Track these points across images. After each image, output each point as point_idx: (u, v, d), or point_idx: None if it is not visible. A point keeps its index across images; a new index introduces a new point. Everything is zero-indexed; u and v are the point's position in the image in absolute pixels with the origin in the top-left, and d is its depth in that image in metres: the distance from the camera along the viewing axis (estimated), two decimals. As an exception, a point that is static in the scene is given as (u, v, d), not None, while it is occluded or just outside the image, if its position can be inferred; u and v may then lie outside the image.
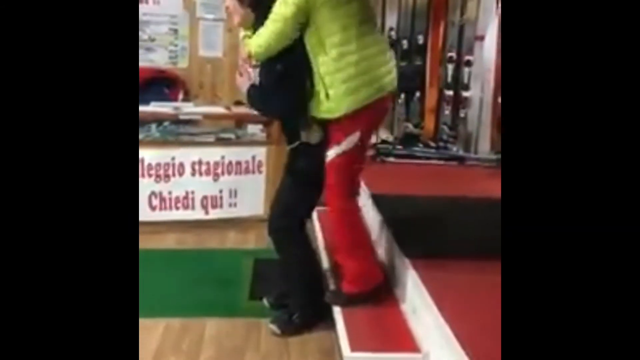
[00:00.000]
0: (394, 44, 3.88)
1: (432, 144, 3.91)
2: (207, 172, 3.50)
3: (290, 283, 2.42)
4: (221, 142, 3.65)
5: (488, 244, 1.84)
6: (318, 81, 2.09)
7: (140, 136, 3.39)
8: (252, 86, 2.27)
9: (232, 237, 3.50)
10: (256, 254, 3.17)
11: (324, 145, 2.18)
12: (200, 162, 3.49)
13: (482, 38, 3.97)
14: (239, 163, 3.55)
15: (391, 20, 4.03)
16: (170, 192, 3.47)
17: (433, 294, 1.86)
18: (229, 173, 3.54)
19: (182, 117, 3.65)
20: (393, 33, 4.04)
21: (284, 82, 2.14)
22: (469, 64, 3.99)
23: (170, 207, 3.48)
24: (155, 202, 3.45)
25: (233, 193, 3.56)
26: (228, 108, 3.90)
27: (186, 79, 4.43)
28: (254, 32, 2.18)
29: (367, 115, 2.13)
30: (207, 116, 3.77)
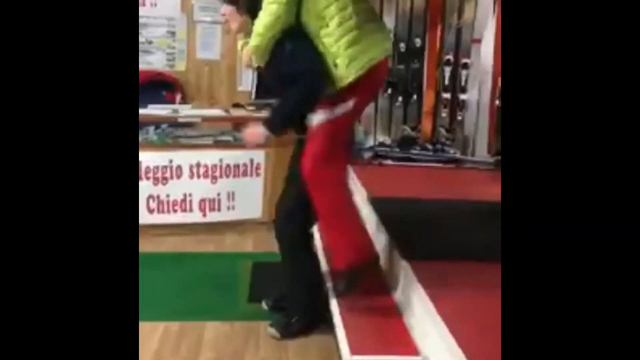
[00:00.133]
0: (392, 47, 3.89)
1: (430, 147, 3.92)
2: (205, 175, 3.50)
3: (291, 286, 2.42)
4: (219, 144, 3.65)
5: (487, 246, 1.84)
6: (325, 55, 2.09)
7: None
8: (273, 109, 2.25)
9: (230, 240, 3.50)
10: (254, 257, 3.18)
11: None
12: (198, 165, 3.49)
13: (479, 41, 3.98)
14: (237, 166, 3.55)
15: (389, 23, 4.03)
16: (168, 195, 3.47)
17: (432, 297, 1.86)
18: (227, 176, 3.54)
19: (180, 119, 3.65)
20: (391, 36, 4.04)
21: (296, 56, 2.11)
22: (466, 66, 4.00)
23: (168, 210, 3.48)
24: (153, 205, 3.45)
25: (231, 196, 3.56)
26: (226, 111, 3.91)
27: (184, 81, 4.43)
28: None
29: (368, 82, 2.14)
30: (205, 119, 3.77)
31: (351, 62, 2.07)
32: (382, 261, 2.54)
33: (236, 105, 4.02)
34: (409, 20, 4.05)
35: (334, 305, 2.28)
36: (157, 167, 3.44)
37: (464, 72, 4.01)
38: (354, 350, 1.93)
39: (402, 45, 4.02)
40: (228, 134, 3.77)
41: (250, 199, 3.58)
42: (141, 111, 3.33)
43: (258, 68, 2.33)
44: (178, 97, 4.33)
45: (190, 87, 4.44)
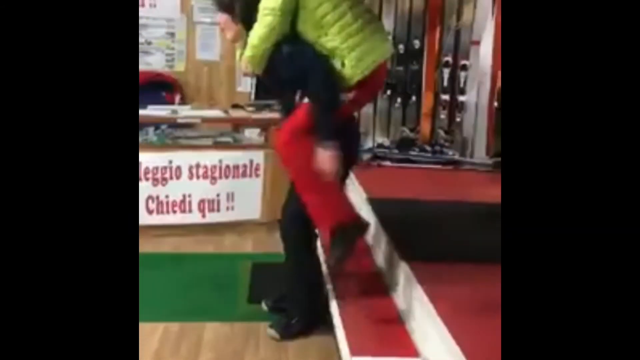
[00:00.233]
0: (391, 48, 3.90)
1: (428, 148, 3.93)
2: (205, 176, 3.50)
3: (292, 287, 2.43)
4: (219, 145, 3.65)
5: (487, 247, 1.85)
6: (331, 56, 2.09)
7: (138, 139, 3.39)
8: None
9: (230, 240, 3.50)
10: (254, 258, 3.18)
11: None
12: (197, 166, 3.49)
13: (478, 43, 3.99)
14: (236, 167, 3.56)
15: (388, 25, 4.04)
16: (167, 196, 3.47)
17: (432, 298, 1.87)
18: (227, 177, 3.54)
19: (179, 120, 3.65)
20: (390, 37, 4.05)
21: (295, 59, 2.10)
22: (465, 68, 4.01)
23: (168, 211, 3.48)
24: (153, 205, 3.45)
25: (230, 197, 3.56)
26: (226, 111, 3.91)
27: (183, 82, 4.43)
28: None
29: (370, 82, 2.15)
30: (204, 120, 3.77)
31: (358, 62, 2.08)
32: (382, 261, 2.55)
33: (235, 106, 4.02)
34: (408, 22, 4.06)
35: (334, 306, 2.28)
36: (156, 168, 3.44)
37: (462, 74, 4.02)
38: (354, 352, 1.94)
39: (401, 47, 4.03)
40: (227, 134, 3.77)
41: (249, 199, 3.59)
42: (141, 112, 3.33)
43: (257, 74, 2.34)
44: (177, 98, 4.34)
45: (189, 88, 4.45)
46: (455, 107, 4.05)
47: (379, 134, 4.11)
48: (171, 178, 3.47)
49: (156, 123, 3.63)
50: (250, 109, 3.83)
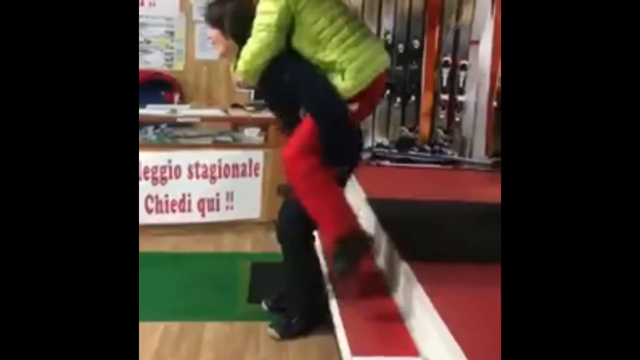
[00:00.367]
0: (390, 48, 3.90)
1: (428, 148, 3.93)
2: (204, 175, 3.50)
3: (292, 287, 2.43)
4: (218, 144, 3.66)
5: (487, 247, 1.86)
6: (330, 70, 2.09)
7: (137, 139, 3.39)
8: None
9: (229, 240, 3.50)
10: (253, 257, 3.18)
11: None
12: (197, 165, 3.49)
13: (477, 43, 4.00)
14: (235, 166, 3.56)
15: (387, 25, 4.05)
16: (166, 195, 3.47)
17: (432, 298, 1.87)
18: (226, 176, 3.54)
19: (179, 119, 3.65)
20: (389, 37, 4.06)
21: (292, 74, 2.10)
22: (464, 68, 4.02)
23: (167, 210, 3.48)
24: (152, 205, 3.45)
25: (230, 196, 3.56)
26: (225, 111, 3.91)
27: (182, 81, 4.43)
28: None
29: (369, 93, 2.16)
30: (204, 119, 3.78)
31: (357, 73, 2.08)
32: (382, 262, 2.55)
33: (235, 106, 4.02)
34: (408, 22, 4.06)
35: (334, 306, 2.28)
36: (155, 167, 3.44)
37: (462, 74, 4.02)
38: (354, 351, 1.94)
39: (401, 47, 4.03)
40: (227, 134, 3.77)
41: (248, 199, 3.59)
42: (140, 111, 3.33)
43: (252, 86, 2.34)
44: (176, 97, 4.34)
45: (188, 87, 4.45)
46: (455, 107, 4.06)
47: (378, 134, 4.11)
48: (170, 177, 3.47)
49: (155, 122, 3.63)
50: (250, 108, 3.83)
